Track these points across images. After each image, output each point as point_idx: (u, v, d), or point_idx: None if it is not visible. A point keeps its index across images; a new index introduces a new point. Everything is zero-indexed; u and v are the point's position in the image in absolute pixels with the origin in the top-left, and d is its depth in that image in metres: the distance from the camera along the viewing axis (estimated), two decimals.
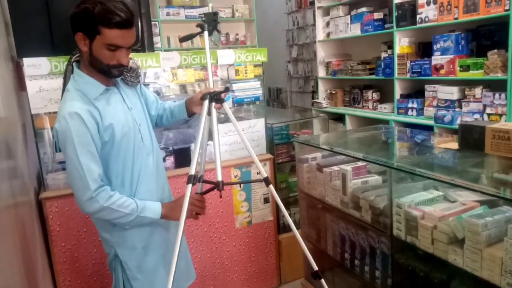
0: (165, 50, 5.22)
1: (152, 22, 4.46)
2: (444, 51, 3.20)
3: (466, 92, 3.09)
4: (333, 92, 4.61)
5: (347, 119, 4.26)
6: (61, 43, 2.07)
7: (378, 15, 3.90)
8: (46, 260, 2.12)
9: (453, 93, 3.17)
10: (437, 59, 3.23)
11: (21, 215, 1.65)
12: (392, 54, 3.68)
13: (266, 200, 2.71)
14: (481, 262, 1.48)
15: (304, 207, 2.62)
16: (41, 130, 2.17)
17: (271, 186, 1.62)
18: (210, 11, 1.69)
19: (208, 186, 1.58)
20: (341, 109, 4.44)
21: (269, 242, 2.76)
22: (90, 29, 1.35)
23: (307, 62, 5.91)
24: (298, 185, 2.63)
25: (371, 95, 4.13)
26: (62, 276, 2.19)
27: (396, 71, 3.65)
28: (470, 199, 1.75)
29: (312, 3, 5.14)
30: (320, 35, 4.73)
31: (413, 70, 3.46)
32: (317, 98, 4.87)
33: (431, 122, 3.26)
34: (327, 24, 4.61)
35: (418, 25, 3.39)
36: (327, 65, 4.74)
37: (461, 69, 3.05)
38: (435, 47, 3.27)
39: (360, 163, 2.18)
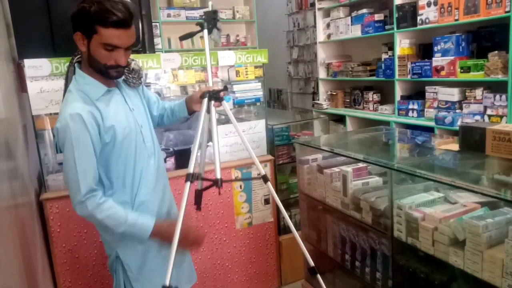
0: (165, 51, 5.23)
1: (153, 24, 4.46)
2: (444, 53, 3.20)
3: (466, 94, 3.09)
4: (334, 93, 4.61)
5: (348, 120, 4.26)
6: (62, 44, 2.08)
7: (378, 17, 3.91)
8: (46, 261, 2.12)
9: (453, 94, 3.17)
10: (438, 60, 3.23)
11: (21, 216, 1.65)
12: (393, 55, 3.68)
13: (266, 201, 2.71)
14: (482, 263, 1.48)
15: (305, 209, 2.61)
16: (42, 131, 2.17)
17: (269, 184, 1.63)
18: (210, 9, 1.70)
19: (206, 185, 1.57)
20: (341, 111, 4.44)
21: (270, 243, 2.76)
22: (87, 28, 1.35)
23: (308, 64, 5.91)
24: (298, 187, 2.63)
25: (371, 96, 4.14)
26: (63, 277, 2.19)
27: (396, 73, 3.65)
28: (470, 201, 1.75)
29: (313, 5, 5.15)
30: (321, 36, 4.74)
31: (414, 72, 3.46)
32: (318, 99, 4.87)
33: (431, 124, 3.26)
34: (328, 25, 4.62)
35: (419, 27, 3.39)
36: (328, 66, 4.74)
37: (462, 70, 3.05)
38: (435, 48, 3.27)
39: (360, 165, 2.18)
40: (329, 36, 4.63)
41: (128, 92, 1.58)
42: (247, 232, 2.67)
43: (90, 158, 1.40)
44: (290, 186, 3.11)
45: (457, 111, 3.15)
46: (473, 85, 3.06)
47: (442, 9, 3.16)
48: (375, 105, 4.10)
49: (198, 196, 1.66)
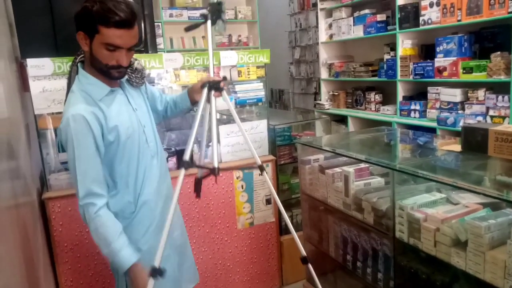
0: (168, 51, 5.23)
1: (155, 23, 4.46)
2: (447, 53, 3.19)
3: (469, 94, 3.08)
4: (336, 93, 4.60)
5: (350, 120, 4.26)
6: (65, 44, 2.08)
7: (381, 17, 3.90)
8: (48, 260, 2.13)
9: (456, 95, 3.16)
10: (440, 61, 3.23)
11: (23, 215, 1.66)
12: (395, 56, 3.67)
13: (268, 202, 2.71)
14: (484, 264, 1.48)
15: (306, 209, 2.61)
16: (44, 131, 2.18)
17: (265, 173, 1.63)
18: (215, 0, 1.69)
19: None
20: (343, 111, 4.44)
21: (271, 244, 2.76)
22: (90, 27, 1.35)
23: (310, 64, 5.91)
24: (300, 187, 2.62)
25: (373, 97, 4.13)
26: (64, 276, 2.20)
27: (398, 73, 3.65)
28: (473, 202, 1.75)
29: (315, 5, 5.14)
30: (323, 36, 4.73)
31: (416, 72, 3.45)
32: (320, 100, 4.87)
33: (433, 124, 3.25)
34: (330, 25, 4.61)
35: (421, 27, 3.39)
36: (330, 66, 4.73)
37: (464, 71, 3.04)
38: (438, 49, 3.26)
39: (362, 165, 2.17)
40: (331, 36, 4.63)
41: (131, 92, 1.57)
42: (248, 232, 2.67)
43: (91, 159, 1.39)
44: (292, 186, 3.11)
45: (459, 112, 3.15)
46: (475, 86, 3.06)
47: (444, 10, 3.16)
48: (377, 105, 4.10)
49: (197, 184, 1.67)
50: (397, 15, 3.57)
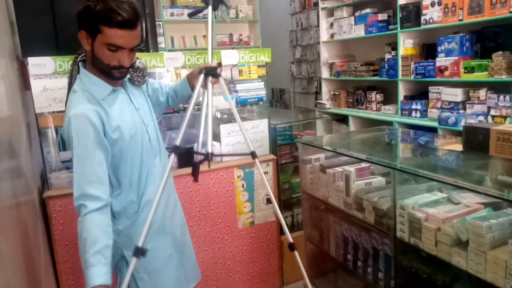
0: (169, 50, 5.23)
1: (156, 22, 4.46)
2: (448, 53, 3.19)
3: (470, 94, 3.08)
4: (337, 93, 4.60)
5: (351, 120, 4.25)
6: (66, 43, 2.08)
7: (382, 16, 3.90)
8: (49, 259, 2.13)
9: (457, 94, 3.16)
10: (441, 60, 3.22)
11: (24, 214, 1.66)
12: (396, 55, 3.67)
13: (269, 201, 2.71)
14: (485, 264, 1.47)
15: (307, 208, 2.61)
16: (45, 129, 2.18)
17: (257, 160, 1.63)
18: None
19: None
20: (344, 110, 4.44)
21: (272, 243, 2.76)
22: (92, 27, 1.34)
23: (311, 63, 5.91)
24: (301, 186, 2.62)
25: (374, 96, 4.13)
26: (65, 275, 2.20)
27: (400, 73, 3.64)
28: (474, 201, 1.75)
29: (316, 4, 5.14)
30: (324, 36, 4.73)
31: (417, 72, 3.45)
32: (321, 99, 4.87)
33: (435, 124, 3.25)
34: (331, 25, 4.61)
35: (422, 27, 3.38)
36: (331, 66, 4.73)
37: (466, 71, 3.04)
38: (439, 48, 3.26)
39: (363, 164, 2.17)
40: (332, 35, 4.62)
41: (133, 91, 1.57)
42: (249, 232, 2.67)
43: (89, 160, 1.36)
44: (293, 185, 3.11)
45: (461, 111, 3.14)
46: (476, 85, 3.05)
47: (446, 9, 3.15)
48: (378, 105, 4.09)
49: (194, 169, 1.67)
50: (399, 15, 3.57)
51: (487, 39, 3.08)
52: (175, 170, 2.43)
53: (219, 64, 1.62)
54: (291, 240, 1.66)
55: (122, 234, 1.53)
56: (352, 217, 2.16)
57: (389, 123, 3.73)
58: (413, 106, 3.55)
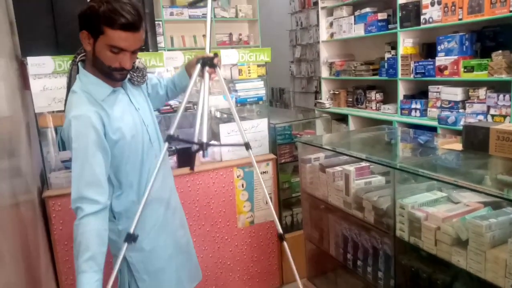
0: (168, 50, 5.23)
1: (156, 22, 4.46)
2: (448, 52, 3.19)
3: (470, 93, 3.08)
4: (336, 92, 4.60)
5: (350, 119, 4.25)
6: (66, 42, 2.08)
7: (382, 16, 3.90)
8: (49, 259, 2.13)
9: (457, 94, 3.16)
10: (441, 60, 3.22)
11: (24, 213, 1.66)
12: (396, 54, 3.67)
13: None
14: (485, 263, 1.47)
15: (307, 208, 2.61)
16: (44, 129, 2.17)
17: (251, 151, 1.62)
18: None
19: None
20: (344, 110, 4.44)
21: (271, 242, 2.76)
22: (94, 28, 1.32)
23: (310, 63, 5.91)
24: (300, 186, 2.62)
25: (374, 95, 4.13)
26: (65, 274, 2.20)
27: (399, 72, 3.64)
28: (474, 201, 1.75)
29: (316, 4, 5.14)
30: (324, 35, 4.73)
31: (417, 71, 3.45)
32: (320, 99, 4.87)
33: (434, 123, 3.25)
34: (331, 24, 4.61)
35: (422, 26, 3.38)
36: (331, 65, 4.73)
37: (465, 70, 3.04)
38: (439, 48, 3.26)
39: (363, 164, 2.17)
40: (332, 35, 4.62)
41: (133, 91, 1.56)
42: (249, 231, 2.67)
43: (88, 162, 1.35)
44: (292, 185, 3.10)
45: (460, 110, 3.14)
46: (476, 84, 3.05)
47: (445, 9, 3.15)
48: (377, 104, 4.09)
49: (190, 157, 1.66)
50: (398, 14, 3.57)
51: (487, 38, 3.08)
52: (175, 169, 2.43)
53: (216, 55, 1.62)
54: (280, 231, 1.66)
55: (123, 234, 1.53)
56: (351, 217, 2.16)
57: (389, 123, 3.73)
58: (413, 106, 3.55)
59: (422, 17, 3.36)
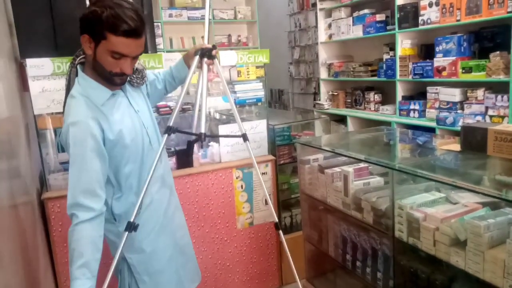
0: (167, 51, 5.24)
1: (155, 24, 4.46)
2: (446, 53, 3.20)
3: (468, 94, 3.09)
4: (335, 93, 4.61)
5: (349, 120, 4.26)
6: (65, 44, 2.08)
7: (380, 17, 3.91)
8: (48, 260, 2.13)
9: (455, 95, 3.17)
10: (439, 61, 3.23)
11: (23, 215, 1.66)
12: (394, 55, 3.68)
13: (267, 201, 2.71)
14: (484, 264, 1.48)
15: (306, 209, 2.61)
16: (43, 131, 2.18)
17: (248, 143, 1.62)
18: None
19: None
20: (343, 111, 4.44)
21: (271, 243, 2.76)
22: (96, 33, 1.31)
23: (309, 64, 5.92)
24: (299, 187, 2.63)
25: (373, 96, 4.14)
26: (64, 276, 2.20)
27: (398, 73, 3.65)
28: (472, 201, 1.75)
29: (314, 5, 5.15)
30: (322, 36, 4.74)
31: (415, 72, 3.46)
32: (319, 100, 4.88)
33: (433, 124, 3.26)
34: (329, 25, 4.62)
35: (420, 27, 3.39)
36: (329, 66, 4.74)
37: (463, 71, 3.04)
38: (437, 49, 3.27)
39: (362, 165, 2.17)
40: (330, 36, 4.63)
41: (132, 93, 1.56)
42: (248, 232, 2.67)
43: (85, 169, 1.35)
44: (291, 186, 3.11)
45: (459, 111, 3.15)
46: (474, 85, 3.06)
47: (443, 10, 3.16)
48: (376, 105, 4.10)
49: (189, 147, 1.67)
50: (397, 15, 3.57)
51: (485, 39, 3.08)
52: (174, 171, 2.44)
53: (214, 46, 1.62)
54: (276, 219, 1.67)
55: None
56: (350, 217, 2.16)
57: (387, 123, 3.74)
58: (411, 106, 3.56)
59: (420, 18, 3.37)
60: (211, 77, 2.48)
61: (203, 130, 1.46)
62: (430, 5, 3.27)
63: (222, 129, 2.55)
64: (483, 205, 1.70)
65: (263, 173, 2.68)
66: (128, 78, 1.54)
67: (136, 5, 1.38)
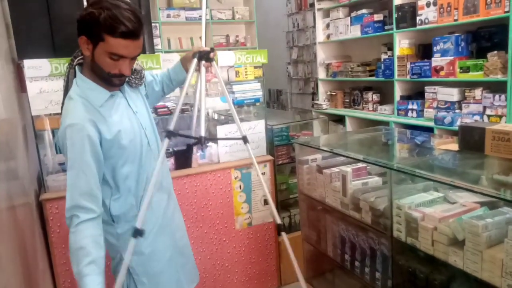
0: (165, 52, 5.23)
1: (153, 24, 4.47)
2: (444, 53, 3.20)
3: (466, 94, 3.09)
4: (333, 93, 4.61)
5: (347, 120, 4.26)
6: (62, 45, 2.08)
7: (378, 17, 3.91)
8: (46, 262, 2.12)
9: (453, 94, 3.17)
10: (437, 60, 3.24)
11: (21, 216, 1.65)
12: (392, 55, 3.68)
13: (266, 202, 2.71)
14: (482, 263, 1.48)
15: (304, 209, 2.62)
16: (41, 132, 2.17)
17: (248, 145, 1.62)
18: None
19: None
20: (341, 111, 4.45)
21: (269, 244, 2.76)
22: (94, 34, 1.30)
23: (307, 64, 5.92)
24: (298, 187, 2.63)
25: (371, 96, 4.14)
26: (62, 277, 2.19)
27: (396, 73, 3.66)
28: (470, 201, 1.75)
29: (312, 5, 5.15)
30: (320, 36, 4.74)
31: (413, 72, 3.46)
32: (317, 100, 4.88)
33: (431, 124, 3.26)
34: (327, 25, 4.62)
35: (418, 27, 3.39)
36: (327, 66, 4.74)
37: (461, 70, 3.05)
38: (435, 48, 3.27)
39: (360, 165, 2.18)
40: (328, 36, 4.63)
41: (130, 94, 1.55)
42: (246, 233, 2.67)
43: (84, 172, 1.35)
44: (290, 186, 3.11)
45: (457, 111, 3.15)
46: (472, 85, 3.07)
47: (441, 9, 3.17)
48: (374, 105, 4.10)
49: (188, 150, 1.67)
50: (394, 15, 3.58)
51: (482, 39, 3.09)
52: (172, 171, 2.43)
53: (212, 49, 1.62)
54: (278, 221, 1.67)
55: (122, 237, 1.53)
56: (349, 217, 2.16)
57: (386, 123, 3.74)
58: (409, 106, 3.56)
59: (418, 18, 3.38)
60: (209, 78, 2.47)
61: (203, 134, 1.45)
62: (428, 5, 3.28)
63: (220, 130, 2.55)
64: (481, 205, 1.70)
65: (262, 173, 2.68)
66: (127, 79, 1.54)
67: (134, 6, 1.37)
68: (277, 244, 2.80)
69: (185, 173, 2.42)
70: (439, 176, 1.71)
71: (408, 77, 3.55)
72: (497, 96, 2.84)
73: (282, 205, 3.09)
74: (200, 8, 5.45)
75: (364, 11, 4.07)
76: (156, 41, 5.11)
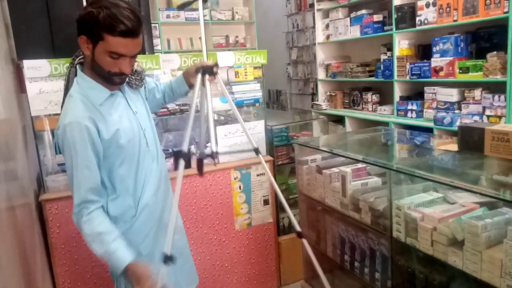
0: (165, 52, 5.23)
1: (152, 25, 4.47)
2: (443, 53, 3.21)
3: (465, 94, 3.09)
4: (333, 94, 4.61)
5: (347, 121, 4.26)
6: (62, 45, 2.08)
7: (377, 17, 3.91)
8: (46, 262, 2.12)
9: (452, 95, 3.17)
10: (437, 61, 3.24)
11: (20, 217, 1.65)
12: (392, 56, 3.68)
13: (266, 202, 2.71)
14: (481, 264, 1.48)
15: (304, 209, 2.62)
16: (41, 132, 2.17)
17: (261, 156, 1.65)
18: None
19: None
20: (340, 111, 4.45)
21: (269, 244, 2.76)
22: (94, 34, 1.31)
23: (307, 64, 5.92)
24: (297, 187, 2.63)
25: (370, 97, 4.14)
26: (62, 278, 2.19)
27: (395, 73, 3.66)
28: (469, 201, 1.75)
29: (312, 6, 5.15)
30: (320, 37, 4.74)
31: (413, 72, 3.46)
32: (317, 100, 4.88)
33: (430, 124, 3.26)
34: (327, 26, 4.62)
35: (418, 27, 3.40)
36: (327, 67, 4.74)
37: (461, 71, 3.05)
38: (434, 49, 3.28)
39: (359, 165, 2.18)
40: (328, 37, 4.64)
41: (130, 94, 1.56)
42: (246, 233, 2.67)
43: (87, 169, 1.37)
44: (289, 186, 3.11)
45: (456, 111, 3.16)
46: (472, 85, 3.07)
47: (441, 10, 3.17)
48: (374, 105, 4.11)
49: (199, 164, 1.70)
50: (394, 16, 3.58)
51: (482, 40, 3.09)
52: (172, 172, 2.43)
53: (216, 64, 1.63)
54: (298, 228, 1.69)
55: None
56: (348, 218, 2.16)
57: (385, 124, 3.74)
58: (409, 107, 3.56)
59: (417, 18, 3.38)
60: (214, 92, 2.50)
61: (214, 149, 1.48)
62: (427, 5, 3.28)
63: (220, 130, 2.55)
64: (480, 205, 1.70)
65: (261, 174, 2.68)
66: (127, 80, 1.54)
67: (133, 5, 1.38)
68: (277, 245, 2.80)
69: (185, 173, 2.41)
70: (439, 177, 1.71)
71: (407, 78, 3.55)
72: (496, 97, 2.84)
73: (282, 206, 3.09)
74: (195, 9, 5.46)
75: (363, 11, 4.07)
76: (156, 41, 5.12)
